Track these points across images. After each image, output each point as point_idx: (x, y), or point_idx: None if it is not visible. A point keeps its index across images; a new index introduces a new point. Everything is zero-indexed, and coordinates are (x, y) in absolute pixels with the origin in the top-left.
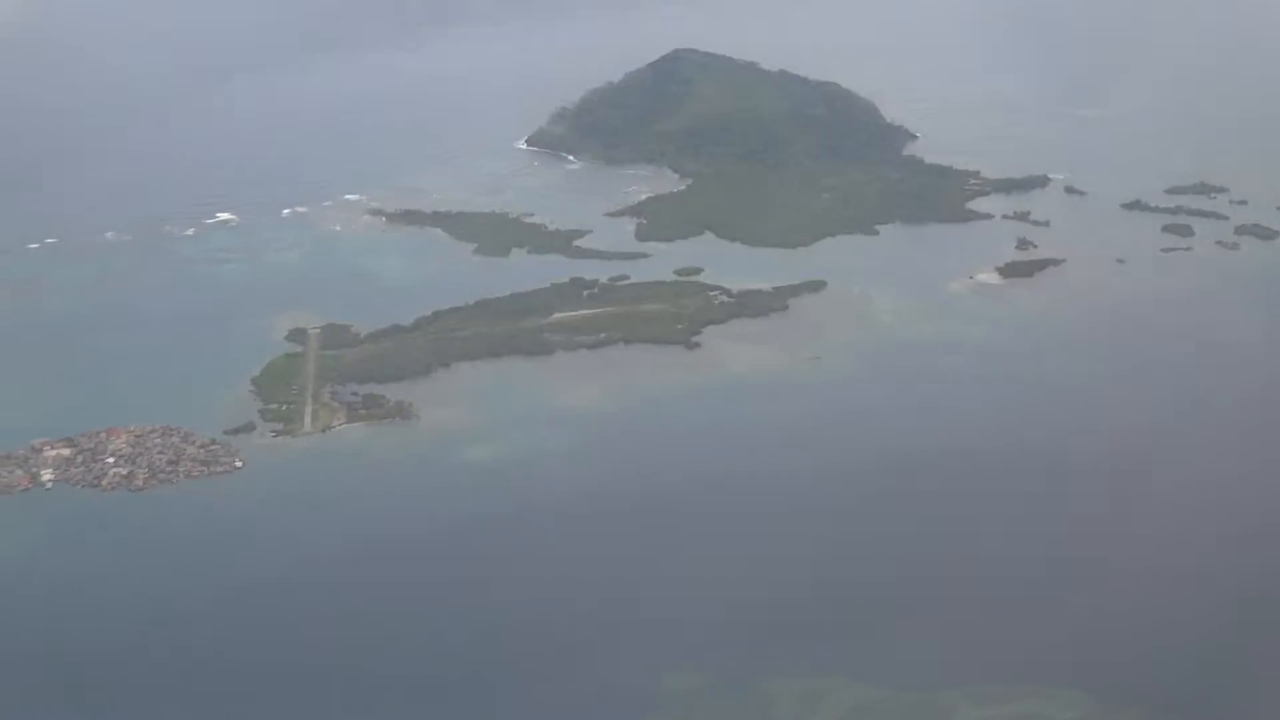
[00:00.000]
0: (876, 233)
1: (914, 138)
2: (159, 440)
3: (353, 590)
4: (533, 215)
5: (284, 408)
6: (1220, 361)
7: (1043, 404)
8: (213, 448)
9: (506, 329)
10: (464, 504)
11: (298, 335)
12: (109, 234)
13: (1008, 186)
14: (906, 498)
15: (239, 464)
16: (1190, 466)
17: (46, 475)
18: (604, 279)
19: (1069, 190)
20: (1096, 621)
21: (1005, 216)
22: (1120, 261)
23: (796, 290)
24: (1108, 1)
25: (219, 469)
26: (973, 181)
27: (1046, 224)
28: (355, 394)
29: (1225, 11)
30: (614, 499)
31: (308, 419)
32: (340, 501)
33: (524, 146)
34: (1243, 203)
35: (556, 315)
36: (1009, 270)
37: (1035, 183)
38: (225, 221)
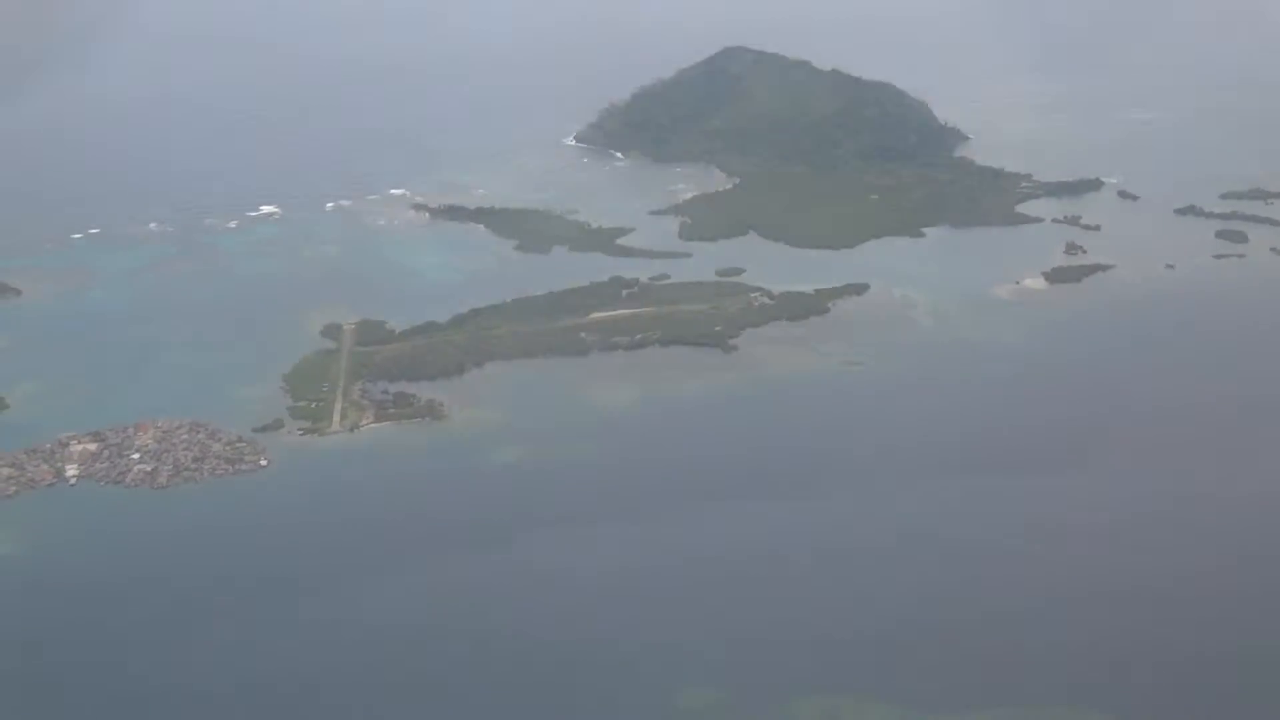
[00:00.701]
0: (923, 235)
1: (966, 139)
2: (186, 436)
3: (356, 598)
4: (576, 212)
5: (313, 405)
6: (1262, 371)
7: (1080, 413)
8: (239, 445)
9: (543, 328)
10: (484, 509)
11: (332, 331)
12: (152, 225)
13: (1059, 190)
14: (941, 515)
15: (264, 462)
16: (1223, 479)
17: (71, 471)
18: (644, 278)
19: (1122, 194)
20: (1128, 643)
21: (1055, 220)
22: (1170, 267)
23: (838, 293)
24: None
25: (244, 467)
26: (1024, 184)
27: (1097, 228)
28: (386, 392)
29: None
30: (638, 507)
31: (336, 417)
32: (359, 504)
33: (573, 143)
34: None
35: (594, 315)
36: (1055, 275)
37: (1088, 186)
38: (268, 214)
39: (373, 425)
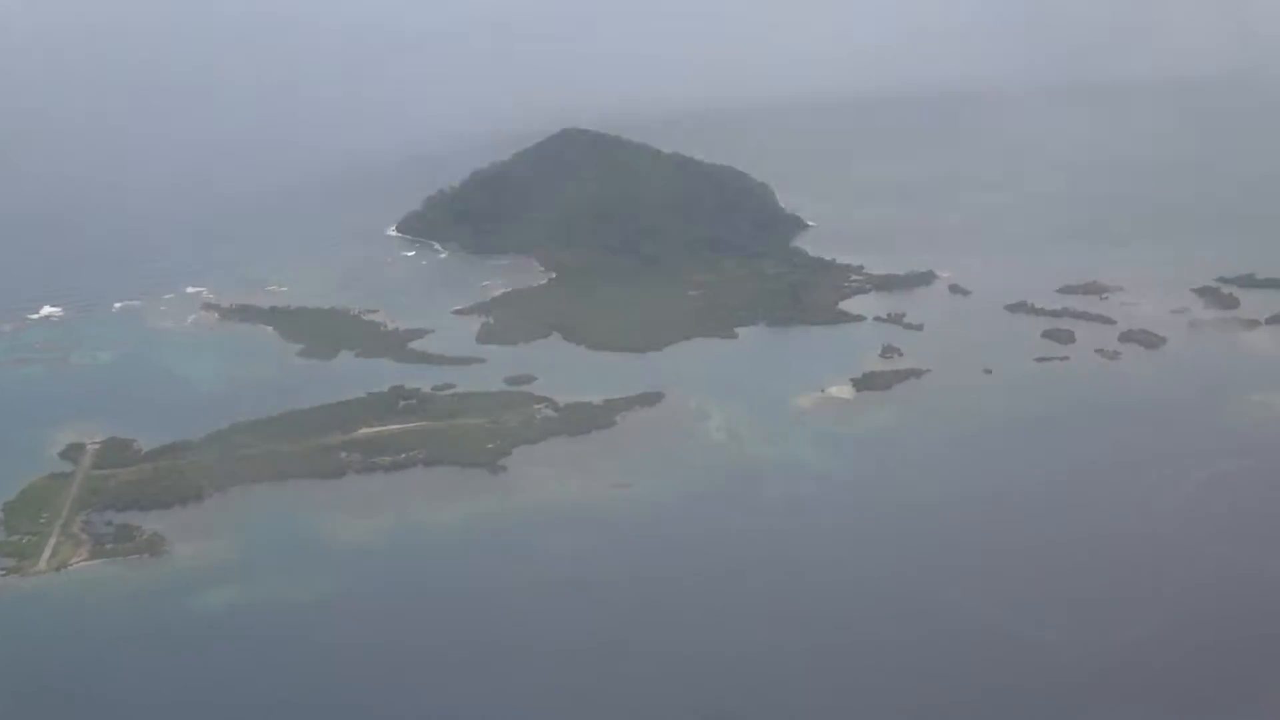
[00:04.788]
0: (736, 336)
1: (806, 226)
2: None
3: None
4: (376, 312)
5: (25, 540)
6: (1055, 498)
7: (854, 548)
8: None
9: (301, 447)
10: (168, 670)
11: (74, 451)
12: None
13: (890, 284)
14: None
15: None
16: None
17: None
18: (427, 388)
19: (953, 289)
20: None
21: (878, 318)
22: (988, 372)
23: (629, 403)
24: (1028, 83)
25: None
26: (854, 277)
27: (920, 328)
28: (109, 524)
29: (1156, 99)
30: (341, 660)
31: (45, 555)
32: (21, 668)
33: (394, 233)
34: (1135, 304)
35: (362, 430)
36: (864, 382)
37: (919, 280)
38: (48, 316)
39: (85, 563)
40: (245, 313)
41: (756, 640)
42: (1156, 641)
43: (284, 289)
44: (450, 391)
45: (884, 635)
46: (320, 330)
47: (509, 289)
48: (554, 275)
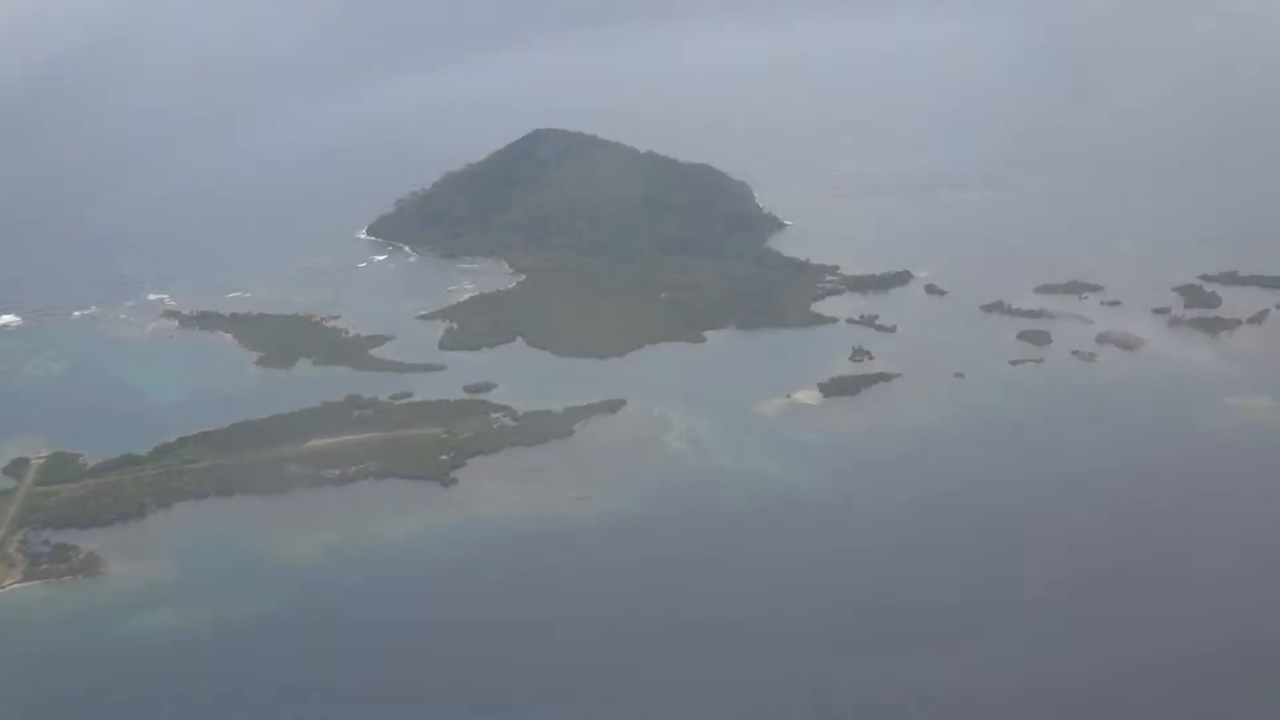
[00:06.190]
0: (704, 340)
1: (783, 226)
2: None
3: None
4: (338, 317)
5: None
6: (1019, 506)
7: (811, 559)
8: None
9: (249, 460)
10: (93, 697)
11: (17, 467)
12: None
13: (865, 284)
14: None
15: None
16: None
17: None
18: (385, 397)
19: (929, 289)
20: None
21: (850, 320)
22: (959, 376)
23: (589, 411)
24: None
25: None
26: (828, 278)
27: (893, 330)
28: (47, 543)
29: (1144, 92)
30: (276, 682)
31: None
32: None
33: (364, 236)
34: (1115, 304)
35: (313, 442)
36: (831, 387)
37: (895, 280)
38: (6, 325)
39: (17, 585)
40: (206, 320)
41: (712, 656)
42: (1138, 648)
43: (248, 295)
44: (407, 400)
45: (846, 646)
46: (280, 337)
47: (476, 293)
48: (523, 278)
